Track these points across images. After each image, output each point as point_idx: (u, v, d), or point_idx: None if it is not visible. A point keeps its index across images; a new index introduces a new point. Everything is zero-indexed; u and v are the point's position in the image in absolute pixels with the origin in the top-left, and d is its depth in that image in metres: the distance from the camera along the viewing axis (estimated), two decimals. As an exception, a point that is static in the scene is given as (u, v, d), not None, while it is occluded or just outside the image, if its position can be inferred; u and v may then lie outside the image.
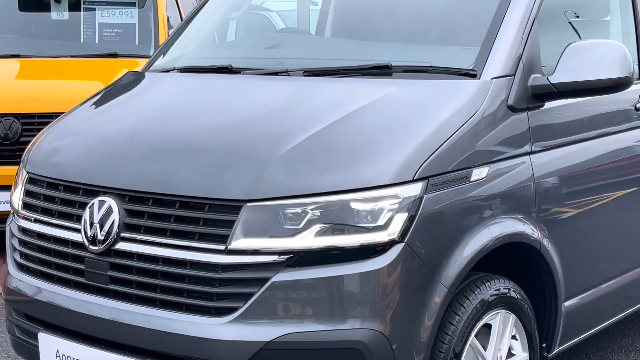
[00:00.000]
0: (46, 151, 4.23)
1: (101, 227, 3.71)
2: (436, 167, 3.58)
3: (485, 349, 3.85)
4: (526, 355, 4.07)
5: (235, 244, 3.46)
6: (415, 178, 3.51)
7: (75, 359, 3.80)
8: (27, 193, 4.17)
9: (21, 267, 4.13)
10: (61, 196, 3.97)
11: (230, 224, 3.48)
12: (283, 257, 3.43)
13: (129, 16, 8.36)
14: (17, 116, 7.16)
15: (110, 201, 3.73)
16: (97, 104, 4.59)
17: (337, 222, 3.42)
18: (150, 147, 3.91)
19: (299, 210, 3.45)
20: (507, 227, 3.83)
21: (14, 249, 4.20)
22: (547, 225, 4.06)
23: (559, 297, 4.20)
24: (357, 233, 3.42)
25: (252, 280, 3.45)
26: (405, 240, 3.45)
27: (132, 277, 3.67)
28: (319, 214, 3.43)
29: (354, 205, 3.43)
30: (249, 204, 3.47)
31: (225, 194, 3.51)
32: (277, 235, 3.44)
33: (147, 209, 3.66)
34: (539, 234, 4.00)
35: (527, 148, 4.00)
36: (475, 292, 3.74)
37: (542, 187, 4.05)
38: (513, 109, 3.94)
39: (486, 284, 3.80)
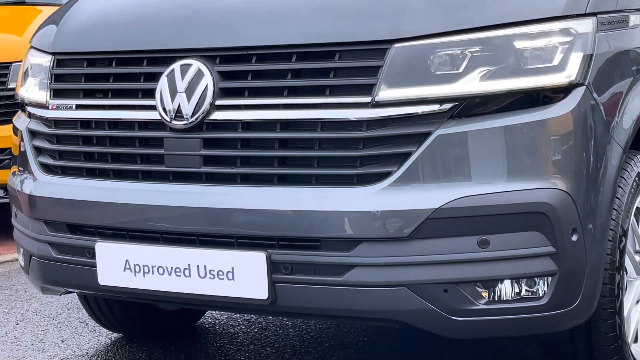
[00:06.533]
0: (79, 25, 3.36)
1: (188, 98, 2.94)
2: (602, 2, 3.02)
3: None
4: None
5: (384, 94, 2.78)
6: (586, 12, 2.93)
7: (155, 266, 3.00)
8: (57, 78, 3.33)
9: (54, 170, 3.28)
10: (115, 71, 3.16)
11: (373, 71, 2.80)
12: (446, 106, 2.77)
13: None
14: None
15: (197, 64, 2.97)
16: None
17: (505, 62, 2.80)
18: None
19: (457, 50, 2.80)
20: None
21: (39, 151, 3.34)
22: None
23: None
24: (530, 75, 2.80)
25: (409, 136, 2.77)
26: (585, 83, 2.87)
27: (236, 152, 2.92)
28: (482, 53, 2.80)
29: (521, 41, 2.82)
30: (396, 45, 2.80)
31: (365, 36, 2.82)
32: (434, 81, 2.78)
33: (252, 67, 2.92)
34: None
35: None
36: (631, 164, 3.18)
37: None
38: None
39: (637, 157, 3.25)
